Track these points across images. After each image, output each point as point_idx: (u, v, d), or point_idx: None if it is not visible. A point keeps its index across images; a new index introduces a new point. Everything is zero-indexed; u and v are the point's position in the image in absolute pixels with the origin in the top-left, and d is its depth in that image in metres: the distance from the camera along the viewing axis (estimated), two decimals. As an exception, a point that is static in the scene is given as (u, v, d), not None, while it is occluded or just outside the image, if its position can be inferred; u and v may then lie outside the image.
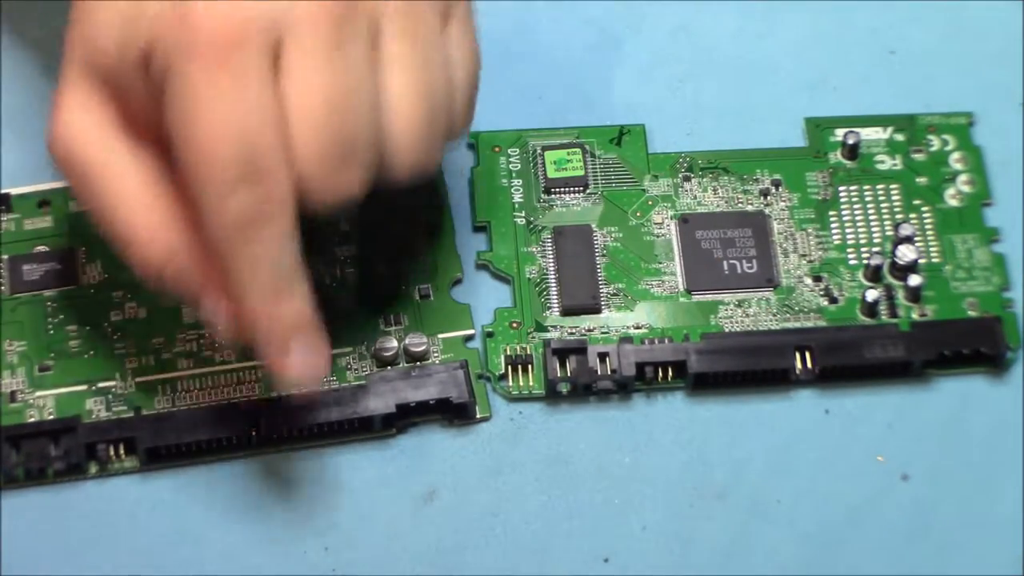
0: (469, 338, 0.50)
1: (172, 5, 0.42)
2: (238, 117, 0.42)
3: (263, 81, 0.42)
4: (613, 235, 0.51)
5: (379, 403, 0.49)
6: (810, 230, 0.52)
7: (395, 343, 0.49)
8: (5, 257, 0.51)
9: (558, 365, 0.49)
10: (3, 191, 0.52)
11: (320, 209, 0.43)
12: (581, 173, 0.52)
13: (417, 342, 0.49)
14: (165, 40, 0.42)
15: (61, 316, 0.50)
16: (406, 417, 0.49)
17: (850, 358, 0.49)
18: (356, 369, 0.49)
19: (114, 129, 0.44)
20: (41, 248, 0.51)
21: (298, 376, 0.45)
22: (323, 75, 0.42)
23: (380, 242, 0.51)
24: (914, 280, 0.50)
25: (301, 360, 0.45)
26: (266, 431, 0.48)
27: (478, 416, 0.49)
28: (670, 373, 0.50)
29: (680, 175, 0.52)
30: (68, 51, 0.44)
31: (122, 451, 0.48)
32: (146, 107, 0.43)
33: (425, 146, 0.45)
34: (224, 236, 0.43)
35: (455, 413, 0.49)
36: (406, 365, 0.49)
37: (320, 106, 0.42)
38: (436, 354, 0.50)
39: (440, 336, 0.50)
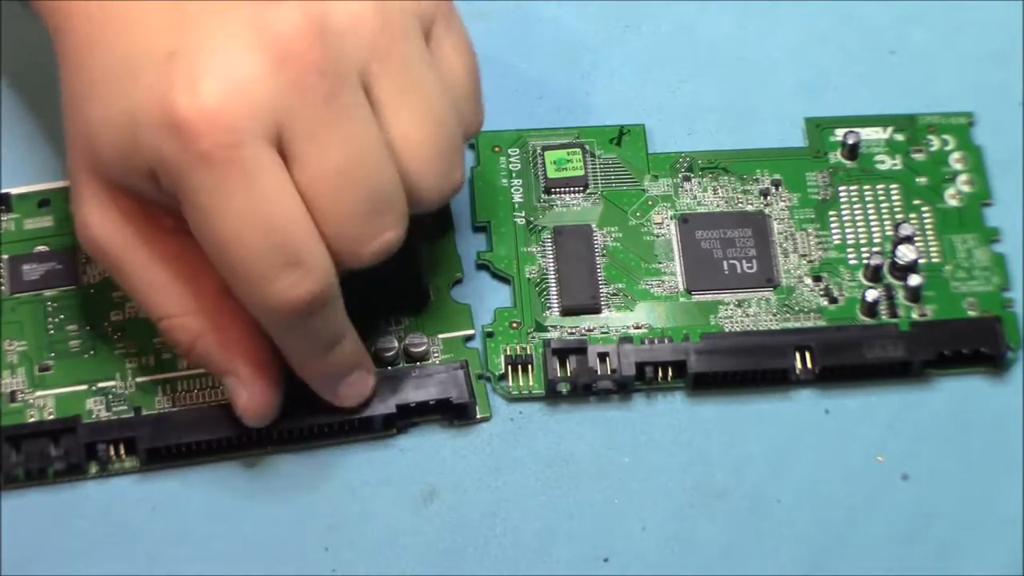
0: (469, 338, 0.50)
1: (161, 115, 0.42)
2: (260, 210, 0.43)
3: (273, 168, 0.43)
4: (613, 235, 0.51)
5: (379, 403, 0.49)
6: (810, 230, 0.52)
7: (395, 343, 0.49)
8: (5, 257, 0.51)
9: (558, 365, 0.49)
10: (3, 191, 0.52)
11: (369, 263, 0.44)
12: (581, 173, 0.52)
13: (417, 342, 0.49)
14: (165, 157, 0.43)
15: (61, 316, 0.50)
16: (406, 417, 0.49)
17: (850, 358, 0.49)
18: (356, 369, 0.50)
19: (130, 223, 0.45)
20: (41, 248, 0.51)
21: (349, 403, 0.48)
22: (331, 151, 0.43)
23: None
24: (914, 280, 0.50)
25: (351, 391, 0.48)
26: (266, 431, 0.48)
27: (478, 416, 0.49)
28: (670, 373, 0.50)
29: (680, 175, 0.52)
30: (71, 147, 0.45)
31: (122, 451, 0.48)
32: (158, 199, 0.44)
33: (446, 167, 0.45)
34: (275, 321, 0.44)
35: (455, 413, 0.49)
36: (406, 365, 0.49)
37: (337, 178, 0.43)
38: (436, 354, 0.50)
39: (440, 336, 0.50)
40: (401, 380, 0.49)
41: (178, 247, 0.46)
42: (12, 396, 0.49)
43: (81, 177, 0.45)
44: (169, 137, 0.42)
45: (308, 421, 0.48)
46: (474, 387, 0.49)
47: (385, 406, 0.49)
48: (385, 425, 0.49)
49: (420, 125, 0.44)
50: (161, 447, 0.48)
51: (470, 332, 0.50)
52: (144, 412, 0.48)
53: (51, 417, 0.48)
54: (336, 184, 0.43)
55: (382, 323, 0.50)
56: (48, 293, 0.50)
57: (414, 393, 0.49)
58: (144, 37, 0.43)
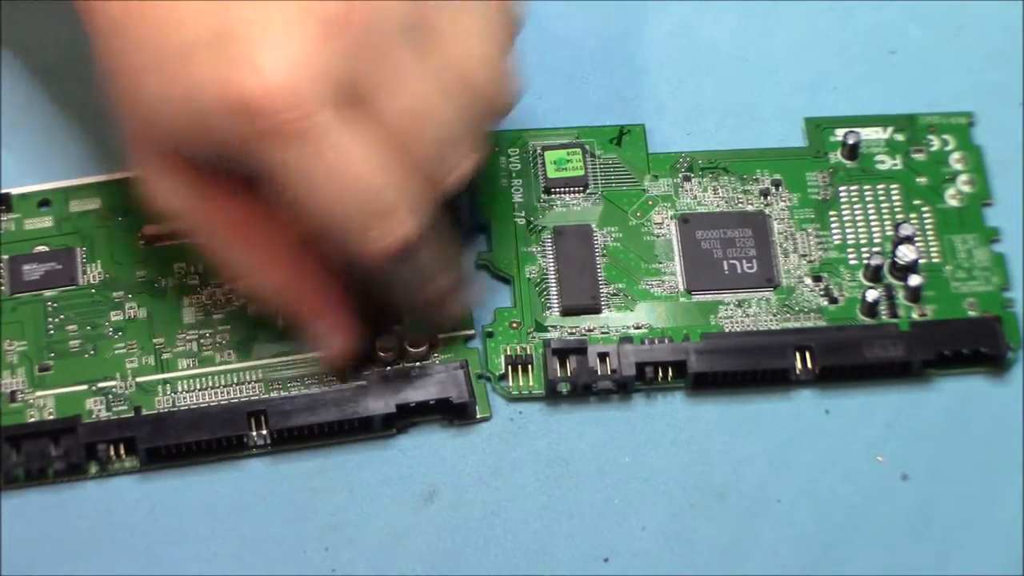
0: (469, 338, 0.50)
1: (228, 99, 0.43)
2: (343, 172, 0.44)
3: (345, 130, 0.44)
4: (613, 235, 0.51)
5: (379, 403, 0.49)
6: (810, 230, 0.52)
7: (395, 343, 0.49)
8: (5, 257, 0.51)
9: (558, 365, 0.49)
10: (3, 191, 0.52)
11: (458, 187, 0.46)
12: (581, 173, 0.52)
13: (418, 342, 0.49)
14: (239, 140, 0.44)
15: (61, 316, 0.50)
16: (406, 417, 0.49)
17: (850, 358, 0.49)
18: (356, 369, 0.49)
19: (198, 190, 0.47)
20: (41, 248, 0.51)
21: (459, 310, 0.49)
22: (399, 99, 0.44)
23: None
24: (914, 280, 0.50)
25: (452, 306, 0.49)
26: (266, 432, 0.48)
27: (478, 416, 0.49)
28: (670, 373, 0.50)
29: (680, 175, 0.52)
30: (128, 125, 0.46)
31: (122, 451, 0.48)
32: (223, 168, 0.46)
33: (510, 71, 0.47)
34: (377, 265, 0.46)
35: (455, 413, 0.49)
36: (406, 365, 0.50)
37: (413, 121, 0.44)
38: (436, 354, 0.50)
39: (440, 336, 0.50)
40: (401, 380, 0.49)
41: (246, 207, 0.47)
42: (12, 396, 0.49)
43: (141, 151, 0.47)
44: (241, 121, 0.43)
45: (308, 420, 0.48)
46: (474, 387, 0.49)
47: (385, 406, 0.48)
48: (385, 425, 0.49)
49: (478, 41, 0.45)
50: (161, 447, 0.48)
51: (470, 332, 0.50)
52: (144, 412, 0.48)
53: (51, 417, 0.48)
54: (413, 126, 0.45)
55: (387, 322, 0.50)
56: (48, 293, 0.50)
57: (414, 393, 0.49)
58: (187, 15, 0.44)
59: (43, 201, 0.52)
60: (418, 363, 0.49)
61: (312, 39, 0.43)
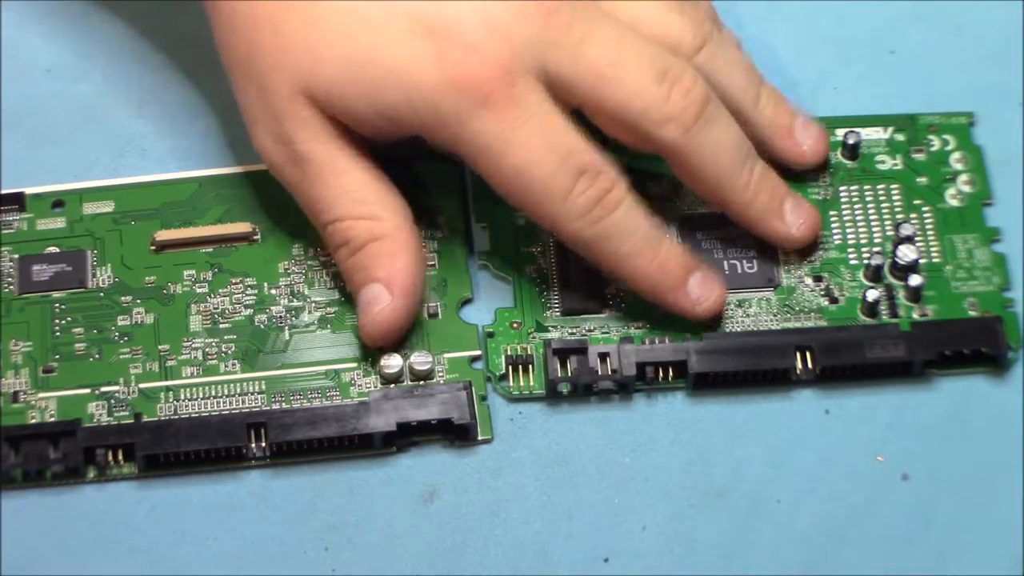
0: (475, 359, 0.50)
1: (438, 76, 0.47)
2: (543, 134, 0.47)
3: (543, 96, 0.48)
4: (614, 236, 0.51)
5: (380, 420, 0.49)
6: (811, 230, 0.52)
7: (399, 360, 0.49)
8: (16, 257, 0.51)
9: (559, 365, 0.50)
10: (18, 190, 0.52)
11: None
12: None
13: (422, 360, 0.49)
14: (444, 112, 0.47)
15: (68, 318, 0.50)
16: (407, 436, 0.49)
17: (850, 358, 0.49)
18: (360, 385, 0.49)
19: (333, 136, 0.49)
20: (52, 249, 0.51)
21: (702, 306, 0.50)
22: (592, 57, 0.48)
23: None
24: (915, 280, 0.50)
25: (702, 293, 0.50)
26: (266, 444, 0.48)
27: (480, 438, 0.49)
28: (671, 373, 0.50)
29: (680, 175, 0.53)
30: (277, 68, 0.49)
31: (120, 457, 0.48)
32: (362, 127, 0.49)
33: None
34: (584, 227, 0.48)
35: (456, 434, 0.49)
36: (410, 383, 0.50)
37: (615, 70, 0.48)
38: (441, 373, 0.50)
39: (446, 355, 0.50)
40: (403, 398, 0.49)
41: (371, 166, 0.49)
42: (15, 396, 0.49)
43: (287, 94, 0.49)
44: (449, 94, 0.47)
45: (308, 434, 0.48)
46: (476, 408, 0.49)
47: (386, 423, 0.49)
48: (385, 443, 0.49)
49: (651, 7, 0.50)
50: (159, 455, 0.48)
51: (476, 353, 0.50)
52: (145, 419, 0.49)
53: (52, 419, 0.48)
54: (615, 75, 0.48)
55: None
56: (56, 295, 0.50)
57: (415, 412, 0.49)
58: None
59: (57, 202, 0.52)
60: (422, 382, 0.50)
61: (510, 13, 0.47)
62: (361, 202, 0.49)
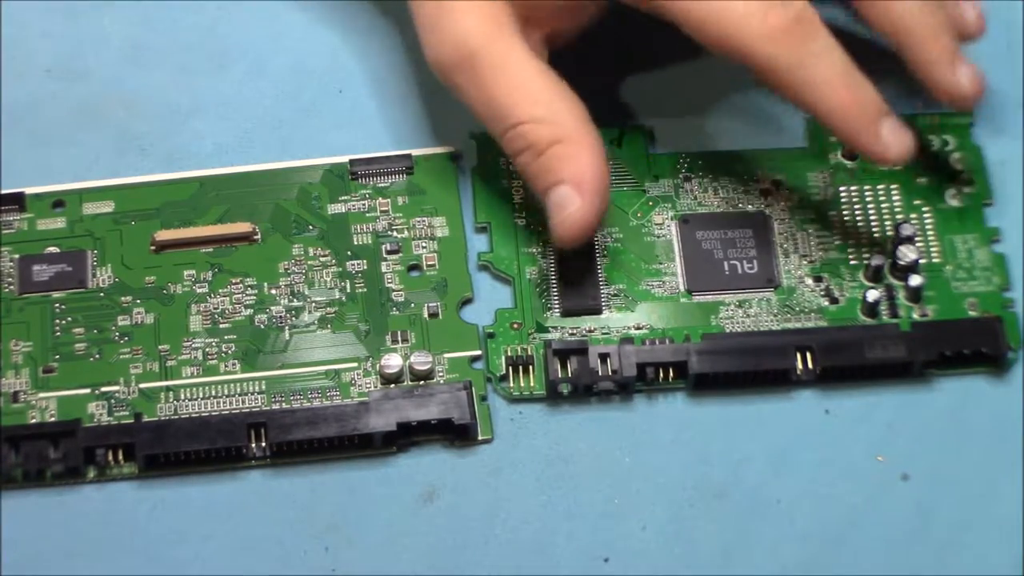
0: (475, 359, 0.50)
1: None
2: None
3: None
4: (614, 236, 0.51)
5: (380, 420, 0.49)
6: (810, 230, 0.52)
7: (400, 360, 0.49)
8: (16, 257, 0.51)
9: (559, 366, 0.50)
10: (18, 190, 0.52)
11: None
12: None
13: (422, 360, 0.49)
14: None
15: (68, 318, 0.50)
16: (407, 436, 0.49)
17: (851, 358, 0.49)
18: (360, 385, 0.49)
19: (514, 31, 0.49)
20: (52, 249, 0.51)
21: (891, 151, 0.49)
22: None
23: None
24: (915, 280, 0.50)
25: (893, 139, 0.49)
26: (266, 444, 0.48)
27: (480, 438, 0.49)
28: (671, 374, 0.50)
29: (680, 176, 0.52)
30: None
31: (120, 457, 0.48)
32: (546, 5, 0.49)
33: None
34: (781, 51, 0.48)
35: (456, 434, 0.49)
36: (410, 383, 0.50)
37: None
38: (441, 373, 0.50)
39: (446, 355, 0.50)
40: (403, 398, 0.49)
41: (544, 66, 0.49)
42: (15, 396, 0.49)
43: None
44: None
45: (308, 434, 0.48)
46: (477, 408, 0.49)
47: (386, 423, 0.48)
48: (385, 443, 0.49)
49: None
50: (159, 455, 0.48)
51: (476, 353, 0.50)
52: (145, 419, 0.49)
53: (52, 419, 0.48)
54: None
55: (388, 340, 0.50)
56: (57, 295, 0.50)
57: (416, 412, 0.49)
58: None
59: (57, 202, 0.52)
60: (422, 382, 0.50)
61: None
62: (540, 103, 0.49)
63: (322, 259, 0.51)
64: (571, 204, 0.48)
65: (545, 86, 0.49)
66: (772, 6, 0.47)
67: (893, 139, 0.49)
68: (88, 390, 0.49)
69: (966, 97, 0.50)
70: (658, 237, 0.51)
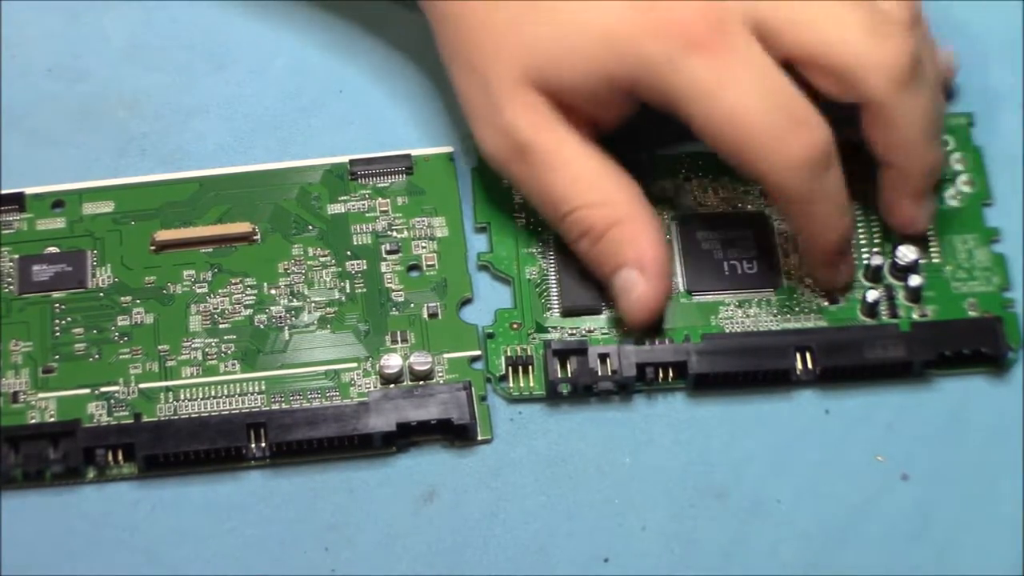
0: (475, 359, 0.50)
1: (644, 23, 0.47)
2: (759, 79, 0.47)
3: (756, 45, 0.48)
4: (614, 236, 0.51)
5: (380, 420, 0.49)
6: (811, 230, 0.52)
7: (399, 360, 0.49)
8: (16, 257, 0.51)
9: (559, 366, 0.50)
10: (18, 190, 0.52)
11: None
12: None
13: (422, 360, 0.49)
14: (654, 60, 0.47)
15: (68, 318, 0.50)
16: (406, 436, 0.49)
17: (850, 358, 0.49)
18: (359, 385, 0.49)
19: (560, 123, 0.49)
20: (52, 249, 0.51)
21: (841, 283, 0.51)
22: (805, 13, 0.48)
23: None
24: (914, 280, 0.50)
25: (848, 270, 0.50)
26: (266, 444, 0.48)
27: (480, 438, 0.49)
28: (671, 374, 0.50)
29: (680, 176, 0.52)
30: (496, 62, 0.49)
31: (120, 457, 0.48)
32: (585, 103, 0.49)
33: None
34: (799, 180, 0.48)
35: (456, 434, 0.49)
36: (410, 383, 0.50)
37: (824, 23, 0.48)
38: (441, 373, 0.50)
39: (446, 356, 0.50)
40: (403, 398, 0.49)
41: (596, 150, 0.50)
42: (14, 397, 0.49)
43: (507, 81, 0.49)
44: (659, 39, 0.47)
45: (307, 434, 0.48)
46: (476, 409, 0.49)
47: (386, 423, 0.48)
48: (385, 443, 0.49)
49: None
50: (159, 455, 0.48)
51: (476, 353, 0.50)
52: (145, 419, 0.49)
53: (52, 419, 0.48)
54: (827, 23, 0.48)
55: (388, 340, 0.50)
56: (56, 295, 0.50)
57: (415, 412, 0.49)
58: None
59: (57, 202, 0.52)
60: (422, 382, 0.50)
61: None
62: (595, 188, 0.49)
63: (322, 259, 0.51)
64: (636, 287, 0.49)
65: (597, 171, 0.49)
66: (797, 132, 0.47)
67: (847, 270, 0.50)
68: (88, 390, 0.49)
69: (917, 231, 0.51)
70: (658, 237, 0.52)
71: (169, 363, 0.50)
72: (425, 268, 0.51)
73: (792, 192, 0.48)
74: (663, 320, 0.50)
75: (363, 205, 0.52)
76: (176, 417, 0.49)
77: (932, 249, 0.51)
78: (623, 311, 0.49)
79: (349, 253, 0.51)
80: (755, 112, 0.47)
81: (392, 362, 0.49)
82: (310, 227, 0.52)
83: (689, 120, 0.48)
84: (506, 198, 0.52)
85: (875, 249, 0.51)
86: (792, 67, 0.48)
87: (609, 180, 0.49)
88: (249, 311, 0.50)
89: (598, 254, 0.49)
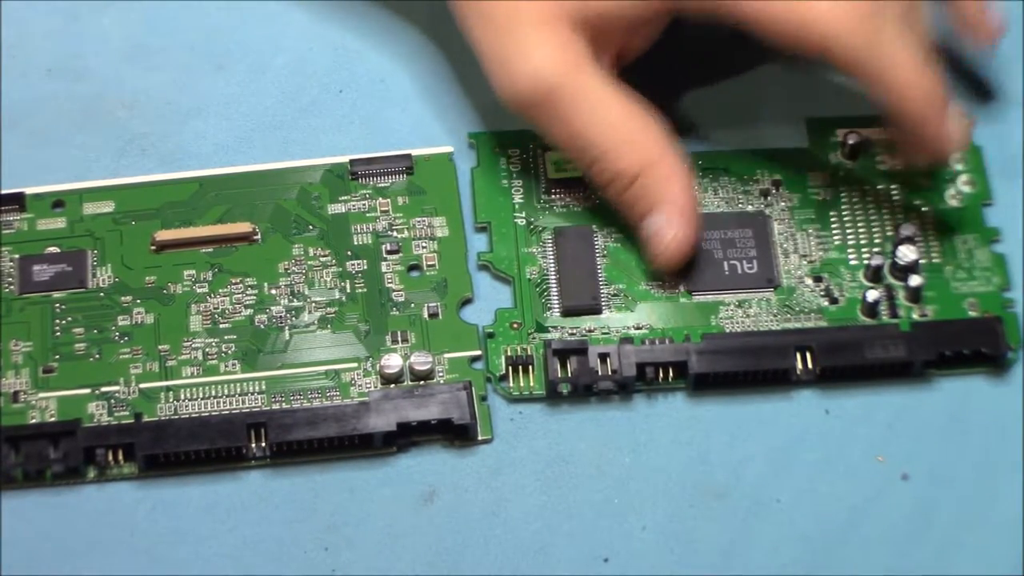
0: (475, 359, 0.50)
1: None
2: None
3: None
4: (613, 236, 0.51)
5: (380, 420, 0.49)
6: (810, 230, 0.52)
7: (399, 360, 0.49)
8: (16, 257, 0.51)
9: (559, 366, 0.50)
10: (18, 190, 0.52)
11: None
12: (582, 174, 0.52)
13: (422, 360, 0.49)
14: None
15: (69, 318, 0.50)
16: (407, 436, 0.49)
17: (850, 358, 0.49)
18: (360, 385, 0.49)
19: (591, 63, 0.49)
20: (52, 249, 0.51)
21: (959, 144, 0.50)
22: None
23: None
24: (914, 280, 0.50)
25: (955, 128, 0.50)
26: (266, 444, 0.48)
27: (480, 438, 0.49)
28: (671, 373, 0.50)
29: (680, 176, 0.53)
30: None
31: (120, 457, 0.48)
32: (623, 30, 0.49)
33: None
34: (861, 36, 0.48)
35: (456, 434, 0.49)
36: (410, 383, 0.50)
37: None
38: (441, 373, 0.50)
39: (446, 356, 0.50)
40: (403, 398, 0.49)
41: (622, 94, 0.49)
42: (15, 396, 0.49)
43: (543, 24, 0.49)
44: None
45: (308, 434, 0.48)
46: (477, 408, 0.49)
47: (386, 423, 0.48)
48: (385, 443, 0.49)
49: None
50: (159, 455, 0.48)
51: (476, 353, 0.50)
52: (145, 419, 0.49)
53: (52, 419, 0.48)
54: None
55: (388, 339, 0.50)
56: (57, 295, 0.50)
57: (416, 412, 0.49)
58: None
59: (57, 202, 0.52)
60: (422, 382, 0.50)
61: None
62: (623, 131, 0.49)
63: (322, 259, 0.51)
64: (667, 231, 0.49)
65: (626, 114, 0.49)
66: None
67: (956, 129, 0.50)
68: (88, 390, 0.49)
69: (962, 149, 0.51)
70: (658, 237, 0.52)
71: (169, 363, 0.50)
72: (425, 268, 0.51)
73: (859, 48, 0.48)
74: (692, 264, 0.50)
75: (363, 205, 0.52)
76: (176, 417, 0.49)
77: (932, 249, 0.51)
78: (656, 254, 0.50)
79: (349, 253, 0.51)
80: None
81: (392, 362, 0.49)
82: (310, 227, 0.52)
83: (739, 12, 0.48)
84: (506, 198, 0.52)
85: (875, 249, 0.51)
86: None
87: (637, 123, 0.49)
88: (249, 311, 0.50)
89: (629, 198, 0.49)
